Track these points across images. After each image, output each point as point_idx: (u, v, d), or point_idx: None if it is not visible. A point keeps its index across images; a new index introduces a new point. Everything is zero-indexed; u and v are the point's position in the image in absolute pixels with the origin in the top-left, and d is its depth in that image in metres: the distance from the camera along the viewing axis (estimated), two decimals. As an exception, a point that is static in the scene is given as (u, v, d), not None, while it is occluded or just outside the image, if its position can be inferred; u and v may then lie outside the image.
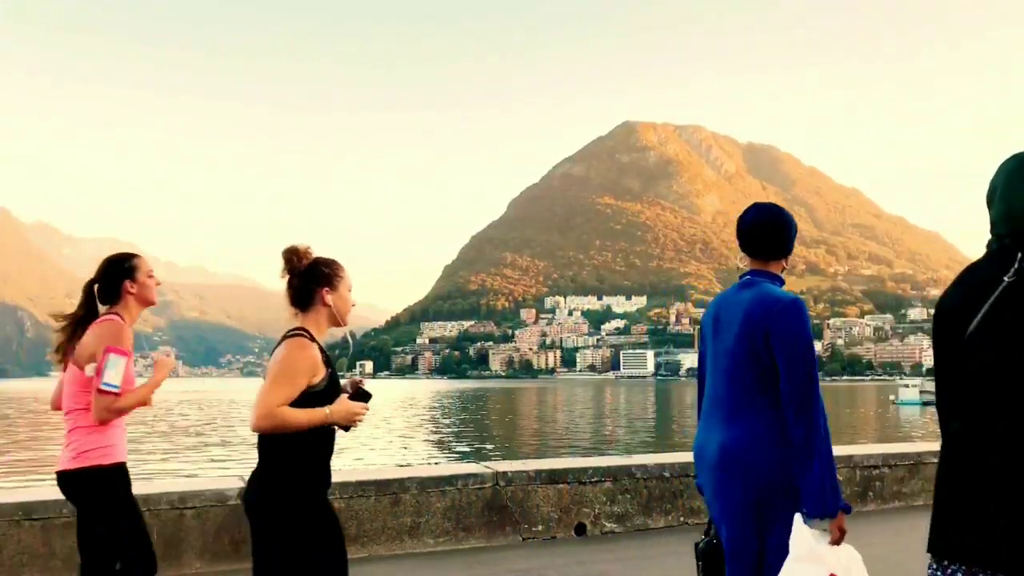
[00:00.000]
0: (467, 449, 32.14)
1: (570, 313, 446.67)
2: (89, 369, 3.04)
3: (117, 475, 3.11)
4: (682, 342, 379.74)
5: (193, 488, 4.88)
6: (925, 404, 71.63)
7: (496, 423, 52.23)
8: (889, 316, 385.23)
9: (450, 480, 5.43)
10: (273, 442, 2.62)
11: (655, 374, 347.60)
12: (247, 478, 2.71)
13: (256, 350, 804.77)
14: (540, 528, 5.60)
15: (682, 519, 6.01)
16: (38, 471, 23.02)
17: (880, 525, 6.13)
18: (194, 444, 33.08)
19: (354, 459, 27.68)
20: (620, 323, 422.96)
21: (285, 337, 2.76)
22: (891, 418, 57.06)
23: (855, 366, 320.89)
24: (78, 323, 3.17)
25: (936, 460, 7.08)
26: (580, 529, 5.72)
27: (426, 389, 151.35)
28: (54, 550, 4.43)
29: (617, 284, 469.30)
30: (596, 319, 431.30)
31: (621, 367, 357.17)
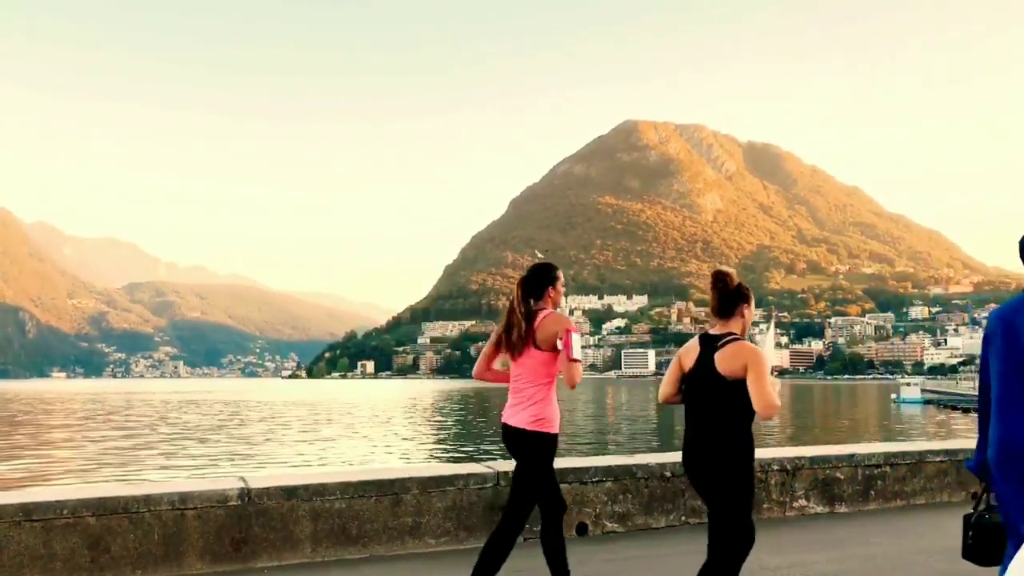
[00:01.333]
0: (469, 449, 32.15)
1: (571, 312, 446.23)
2: (558, 345, 4.06)
3: (554, 441, 4.10)
4: (683, 341, 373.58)
5: (194, 489, 4.88)
6: (926, 403, 71.67)
7: (497, 423, 52.24)
8: (890, 315, 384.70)
9: (451, 480, 5.42)
10: (734, 417, 3.60)
11: (656, 373, 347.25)
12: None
13: (257, 350, 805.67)
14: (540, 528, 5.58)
15: (683, 519, 6.00)
16: (40, 474, 23.04)
17: (882, 524, 6.12)
18: (196, 444, 33.10)
19: (355, 459, 27.70)
20: (621, 322, 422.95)
21: (727, 341, 3.74)
22: (892, 417, 57.06)
23: (856, 365, 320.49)
24: (527, 317, 4.15)
25: (937, 459, 7.09)
26: (581, 529, 5.71)
27: (428, 389, 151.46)
28: (54, 551, 4.43)
29: (618, 283, 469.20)
30: (597, 318, 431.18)
31: (622, 366, 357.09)
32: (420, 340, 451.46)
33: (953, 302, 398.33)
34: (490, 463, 5.96)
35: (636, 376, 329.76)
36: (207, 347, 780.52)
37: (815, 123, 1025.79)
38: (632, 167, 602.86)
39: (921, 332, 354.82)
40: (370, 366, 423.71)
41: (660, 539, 5.62)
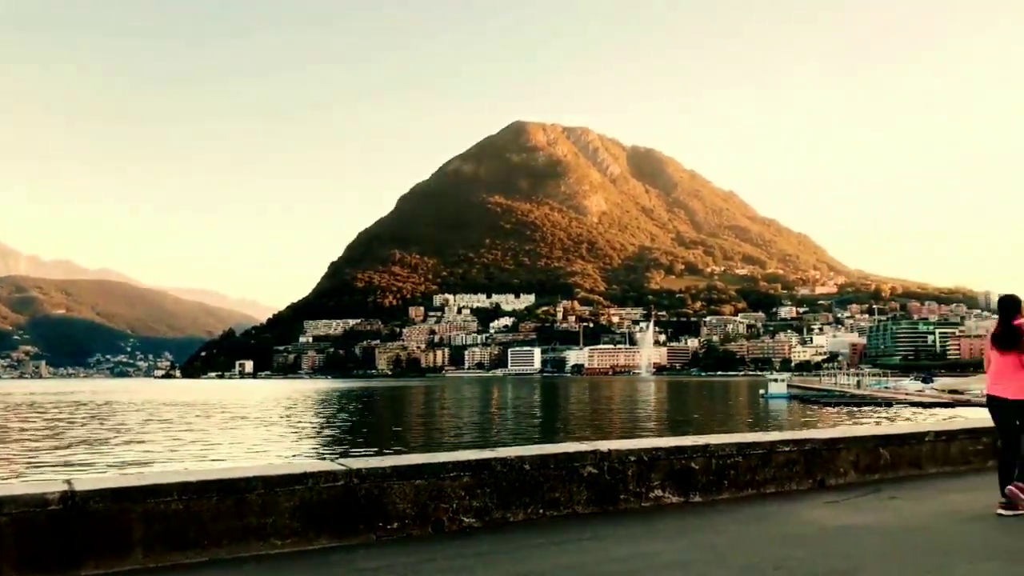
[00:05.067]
0: (329, 448, 31.59)
1: (459, 311, 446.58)
2: None
3: None
4: (568, 339, 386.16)
5: (9, 493, 4.48)
6: (792, 398, 75.41)
7: (369, 422, 51.59)
8: (761, 314, 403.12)
9: (300, 478, 5.20)
10: None
11: (541, 371, 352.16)
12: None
13: (128, 349, 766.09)
14: (395, 526, 5.45)
15: (541, 511, 5.99)
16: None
17: (732, 513, 6.29)
18: (22, 449, 31.23)
19: (199, 459, 26.66)
20: (508, 321, 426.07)
21: None
22: (760, 411, 59.77)
23: (729, 362, 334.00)
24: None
25: (787, 449, 7.38)
26: (437, 525, 5.61)
27: (307, 389, 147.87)
28: None
29: (506, 282, 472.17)
30: (485, 317, 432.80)
31: (509, 364, 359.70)
32: (302, 339, 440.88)
33: (819, 302, 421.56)
34: (343, 460, 5.78)
35: (522, 374, 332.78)
36: (73, 346, 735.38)
37: (695, 130, 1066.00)
38: (521, 167, 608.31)
39: (789, 331, 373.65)
40: (249, 365, 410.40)
41: (517, 533, 5.59)
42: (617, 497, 6.36)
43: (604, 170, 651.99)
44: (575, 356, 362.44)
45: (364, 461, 5.76)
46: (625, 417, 53.99)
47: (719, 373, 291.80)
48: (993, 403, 6.64)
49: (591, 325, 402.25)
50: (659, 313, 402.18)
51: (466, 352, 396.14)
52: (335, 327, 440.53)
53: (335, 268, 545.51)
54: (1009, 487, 6.18)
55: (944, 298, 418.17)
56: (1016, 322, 6.46)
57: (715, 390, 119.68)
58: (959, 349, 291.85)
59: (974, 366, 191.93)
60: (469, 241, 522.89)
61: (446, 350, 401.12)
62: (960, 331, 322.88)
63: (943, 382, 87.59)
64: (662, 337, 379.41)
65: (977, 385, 72.17)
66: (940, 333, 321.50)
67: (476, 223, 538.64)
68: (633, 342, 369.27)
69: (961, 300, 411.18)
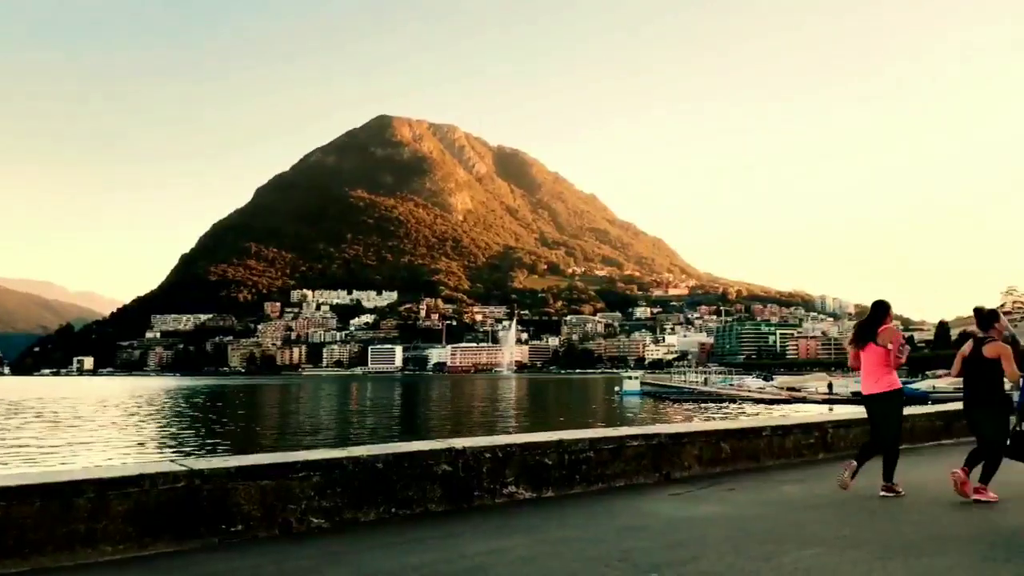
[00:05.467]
0: (173, 449, 30.18)
1: (318, 307, 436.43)
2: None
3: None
4: (431, 337, 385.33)
5: None
6: (645, 394, 78.31)
7: (218, 421, 49.56)
8: (618, 314, 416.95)
9: (135, 480, 4.90)
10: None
11: (403, 369, 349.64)
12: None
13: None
14: (240, 528, 5.23)
15: (394, 510, 5.92)
16: None
17: (582, 507, 6.44)
18: None
19: (23, 464, 24.85)
20: (369, 318, 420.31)
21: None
22: (615, 408, 61.72)
23: (587, 360, 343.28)
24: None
25: (636, 443, 7.64)
26: (285, 527, 5.43)
27: (153, 386, 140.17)
28: None
29: (368, 279, 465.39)
30: (345, 314, 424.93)
31: (369, 363, 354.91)
32: (149, 334, 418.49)
33: (672, 303, 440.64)
34: (184, 461, 5.50)
35: (383, 372, 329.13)
36: None
37: (559, 133, 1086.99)
38: (385, 162, 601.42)
39: (644, 330, 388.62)
40: (89, 362, 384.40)
41: (368, 533, 5.50)
42: (471, 494, 6.38)
43: (470, 168, 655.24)
44: (437, 354, 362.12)
45: (207, 461, 5.50)
46: (485, 415, 54.43)
47: (577, 371, 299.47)
48: (863, 398, 7.43)
49: (454, 323, 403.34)
50: (522, 312, 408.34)
51: (324, 350, 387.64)
52: (185, 322, 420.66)
53: (187, 260, 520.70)
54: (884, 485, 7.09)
55: (785, 301, 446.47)
56: (883, 327, 7.22)
57: (573, 387, 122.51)
58: (797, 349, 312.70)
59: (810, 365, 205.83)
60: (330, 235, 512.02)
61: (303, 347, 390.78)
62: (798, 332, 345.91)
63: (782, 380, 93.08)
64: (524, 336, 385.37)
65: (812, 383, 77.55)
66: (780, 334, 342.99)
67: (338, 217, 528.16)
68: (496, 340, 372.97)
69: (800, 303, 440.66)
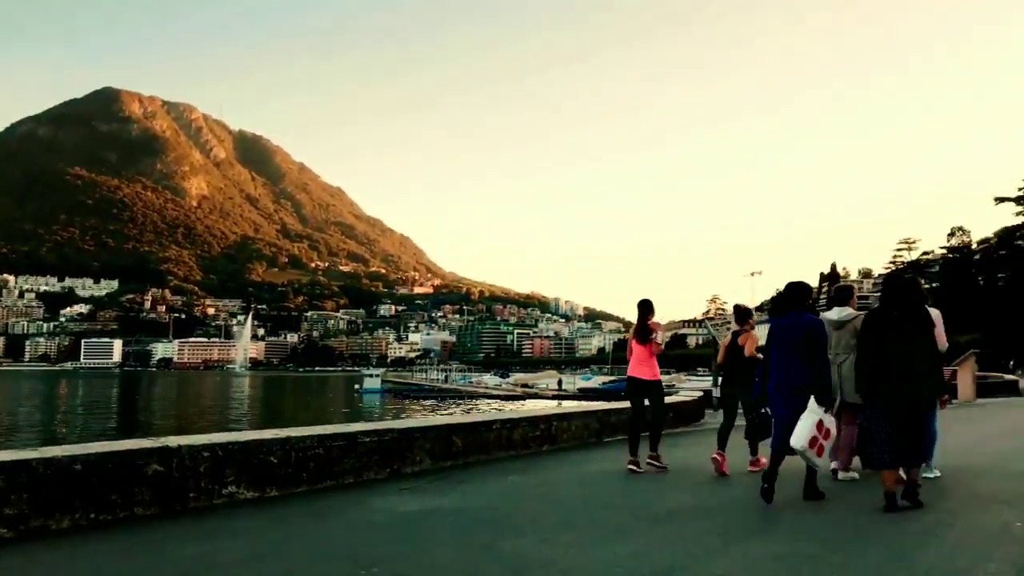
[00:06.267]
0: None
1: (21, 294, 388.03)
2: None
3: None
4: (156, 331, 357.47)
5: None
6: (386, 392, 78.42)
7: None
8: (362, 311, 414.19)
9: None
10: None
11: (122, 365, 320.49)
12: None
13: None
14: None
15: (93, 516, 5.33)
16: None
17: (311, 504, 6.23)
18: None
19: None
20: (84, 308, 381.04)
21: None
22: (355, 405, 61.16)
23: (328, 357, 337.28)
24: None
25: (367, 440, 7.55)
26: (-47, 541, 4.69)
27: None
28: None
29: (84, 265, 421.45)
30: (54, 303, 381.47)
31: (82, 357, 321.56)
32: None
33: (416, 302, 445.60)
34: None
35: (98, 368, 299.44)
36: None
37: (307, 122, 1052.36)
38: (110, 139, 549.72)
39: (387, 328, 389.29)
40: None
41: (61, 541, 4.89)
42: (187, 496, 5.93)
43: (208, 152, 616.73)
44: (163, 349, 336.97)
45: None
46: (214, 415, 51.45)
47: (317, 369, 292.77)
48: (632, 382, 8.46)
49: (183, 316, 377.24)
50: (259, 306, 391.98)
51: (28, 342, 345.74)
52: None
53: None
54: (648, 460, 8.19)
55: (523, 302, 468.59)
56: (651, 321, 8.36)
57: (312, 386, 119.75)
58: (532, 348, 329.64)
59: (544, 363, 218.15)
60: (40, 215, 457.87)
61: (1, 340, 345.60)
62: (534, 332, 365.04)
63: (517, 377, 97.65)
64: (261, 331, 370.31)
65: (544, 380, 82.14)
66: (518, 333, 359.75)
67: (50, 195, 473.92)
68: (230, 335, 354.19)
69: (536, 305, 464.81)
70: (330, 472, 7.10)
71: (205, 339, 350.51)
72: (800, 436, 5.94)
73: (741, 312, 8.59)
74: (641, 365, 8.35)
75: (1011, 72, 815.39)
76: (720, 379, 8.97)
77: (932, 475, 7.15)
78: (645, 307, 8.45)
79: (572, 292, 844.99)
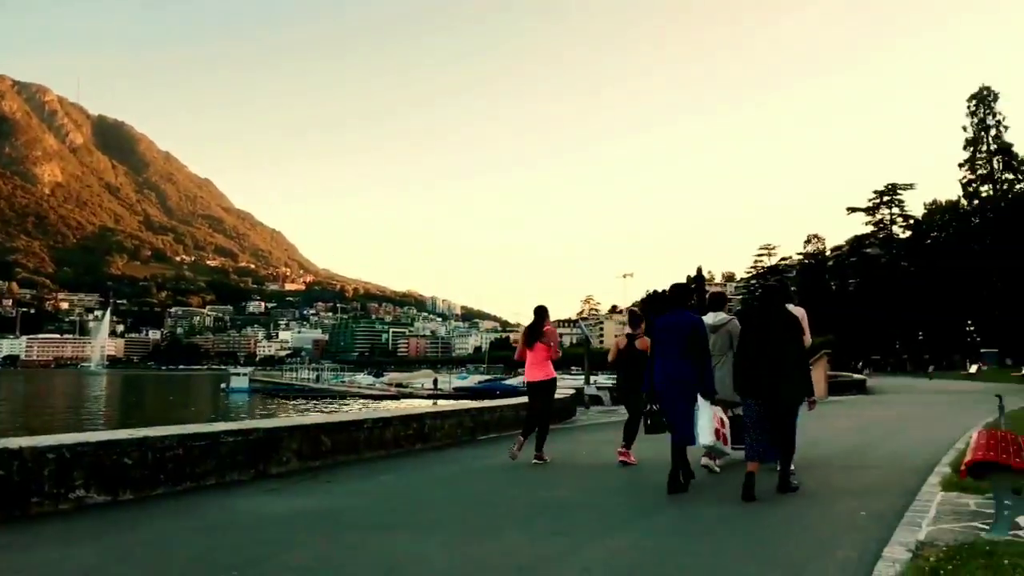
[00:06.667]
0: None
1: None
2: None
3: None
4: (2, 326, 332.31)
5: None
6: (254, 391, 75.97)
7: None
8: (230, 308, 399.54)
9: None
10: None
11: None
12: None
13: None
14: None
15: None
16: None
17: (168, 507, 5.93)
18: None
19: None
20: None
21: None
22: (221, 406, 58.92)
23: (194, 355, 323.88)
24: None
25: (231, 439, 7.27)
26: None
27: None
28: None
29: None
30: None
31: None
32: None
33: (287, 299, 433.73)
34: None
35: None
36: None
37: (173, 108, 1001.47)
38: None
39: (257, 326, 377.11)
40: None
41: None
42: (29, 501, 5.52)
43: (63, 137, 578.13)
44: (9, 346, 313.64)
45: None
46: (66, 415, 48.33)
47: (181, 367, 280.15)
48: (528, 386, 8.99)
49: (32, 311, 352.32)
50: (119, 301, 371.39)
51: None
52: None
53: None
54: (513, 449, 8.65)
55: (399, 300, 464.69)
56: (546, 327, 8.83)
57: (175, 384, 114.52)
58: (408, 347, 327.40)
59: (420, 363, 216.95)
60: None
61: None
62: (410, 331, 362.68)
63: (392, 376, 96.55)
64: (120, 327, 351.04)
65: (420, 379, 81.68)
66: (393, 332, 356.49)
67: None
68: (85, 332, 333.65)
69: (413, 303, 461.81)
70: (191, 473, 6.79)
71: (58, 335, 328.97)
72: (705, 432, 6.46)
73: (636, 316, 9.03)
74: (535, 368, 8.79)
75: (865, 94, 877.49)
76: (618, 379, 9.60)
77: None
78: (541, 313, 8.91)
79: (449, 291, 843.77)
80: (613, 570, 4.10)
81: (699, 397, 6.46)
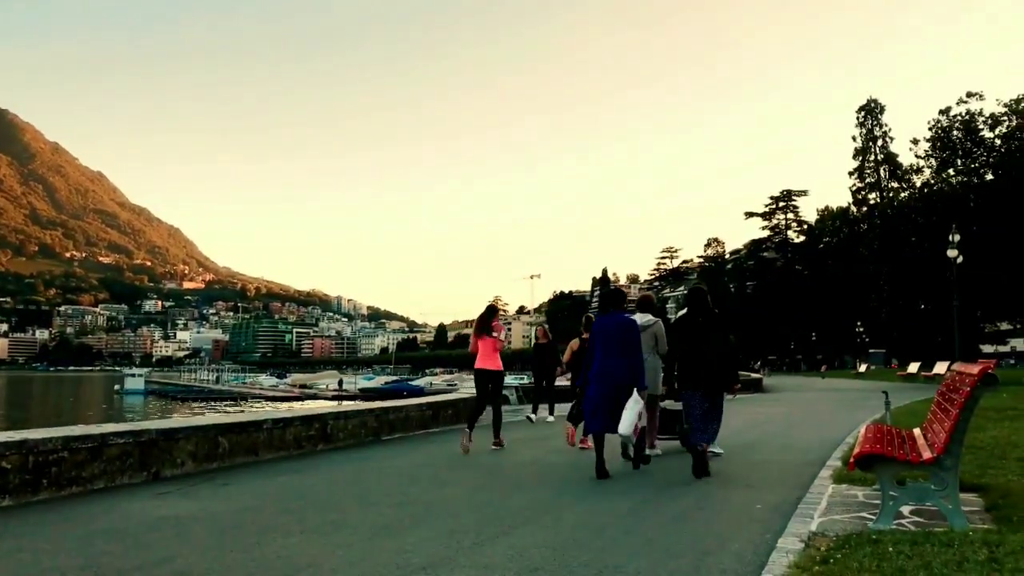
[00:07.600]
0: None
1: None
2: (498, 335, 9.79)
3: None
4: None
5: None
6: (149, 393, 73.20)
7: None
8: (124, 306, 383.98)
9: None
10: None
11: None
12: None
13: None
14: None
15: None
16: None
17: (51, 514, 5.61)
18: None
19: None
20: None
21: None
22: (115, 408, 56.55)
23: (85, 356, 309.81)
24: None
25: (121, 441, 6.94)
26: None
27: None
28: None
29: None
30: None
31: None
32: None
33: (186, 298, 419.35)
34: None
35: None
36: None
37: (64, 96, 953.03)
38: None
39: (153, 325, 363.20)
40: None
41: None
42: None
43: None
44: None
45: None
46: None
47: (71, 368, 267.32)
48: (480, 373, 9.79)
49: None
50: (2, 299, 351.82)
51: None
52: None
53: None
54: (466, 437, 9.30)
55: (303, 300, 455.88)
56: (494, 323, 9.92)
57: (65, 386, 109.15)
58: (312, 348, 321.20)
59: (325, 363, 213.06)
60: None
61: None
62: (315, 331, 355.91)
63: (295, 377, 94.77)
64: (4, 327, 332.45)
65: (324, 380, 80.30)
66: (297, 332, 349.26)
67: None
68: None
69: (317, 303, 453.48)
70: (77, 478, 6.45)
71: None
72: (627, 424, 7.02)
73: (590, 321, 9.77)
74: (486, 358, 9.70)
75: (765, 106, 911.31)
76: (573, 375, 10.75)
77: (719, 451, 8.47)
78: (491, 310, 10.07)
79: (355, 291, 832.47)
80: (514, 565, 4.10)
81: (634, 392, 7.13)
